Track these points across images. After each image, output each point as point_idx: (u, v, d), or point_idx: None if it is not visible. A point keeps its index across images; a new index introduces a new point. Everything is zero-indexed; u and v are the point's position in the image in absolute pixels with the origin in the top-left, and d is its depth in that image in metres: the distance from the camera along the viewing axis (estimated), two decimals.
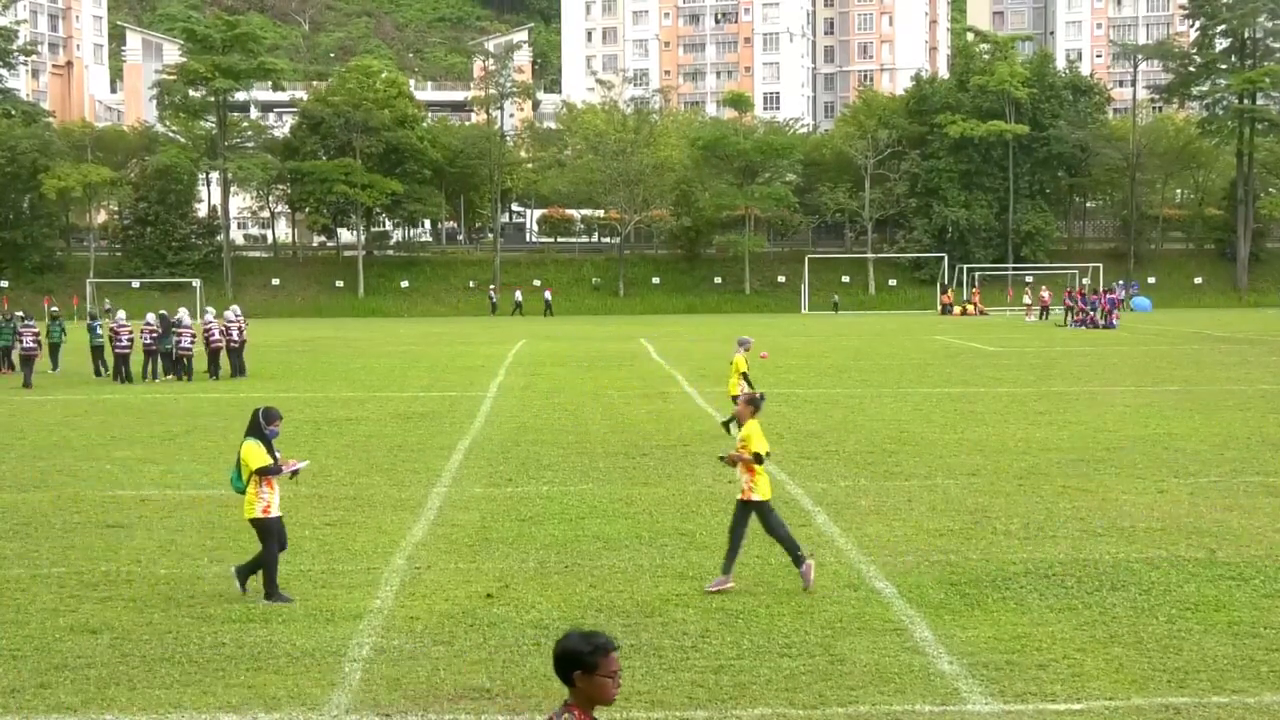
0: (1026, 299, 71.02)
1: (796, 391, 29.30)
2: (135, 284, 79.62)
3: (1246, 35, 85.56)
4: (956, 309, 73.94)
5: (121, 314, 35.46)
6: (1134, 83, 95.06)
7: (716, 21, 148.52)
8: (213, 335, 34.50)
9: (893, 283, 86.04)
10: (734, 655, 9.88)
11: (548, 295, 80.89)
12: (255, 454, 11.61)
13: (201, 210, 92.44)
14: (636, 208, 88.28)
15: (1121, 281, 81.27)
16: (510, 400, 28.00)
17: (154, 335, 33.85)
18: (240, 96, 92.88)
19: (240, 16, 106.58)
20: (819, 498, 16.12)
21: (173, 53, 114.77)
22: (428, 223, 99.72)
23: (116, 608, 11.31)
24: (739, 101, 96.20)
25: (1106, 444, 20.59)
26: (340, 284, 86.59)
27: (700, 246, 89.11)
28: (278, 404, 13.09)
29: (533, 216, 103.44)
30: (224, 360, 34.67)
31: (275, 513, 11.67)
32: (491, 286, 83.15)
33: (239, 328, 35.01)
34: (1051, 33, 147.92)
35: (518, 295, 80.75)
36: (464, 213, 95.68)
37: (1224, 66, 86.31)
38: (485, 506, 15.77)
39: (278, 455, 11.82)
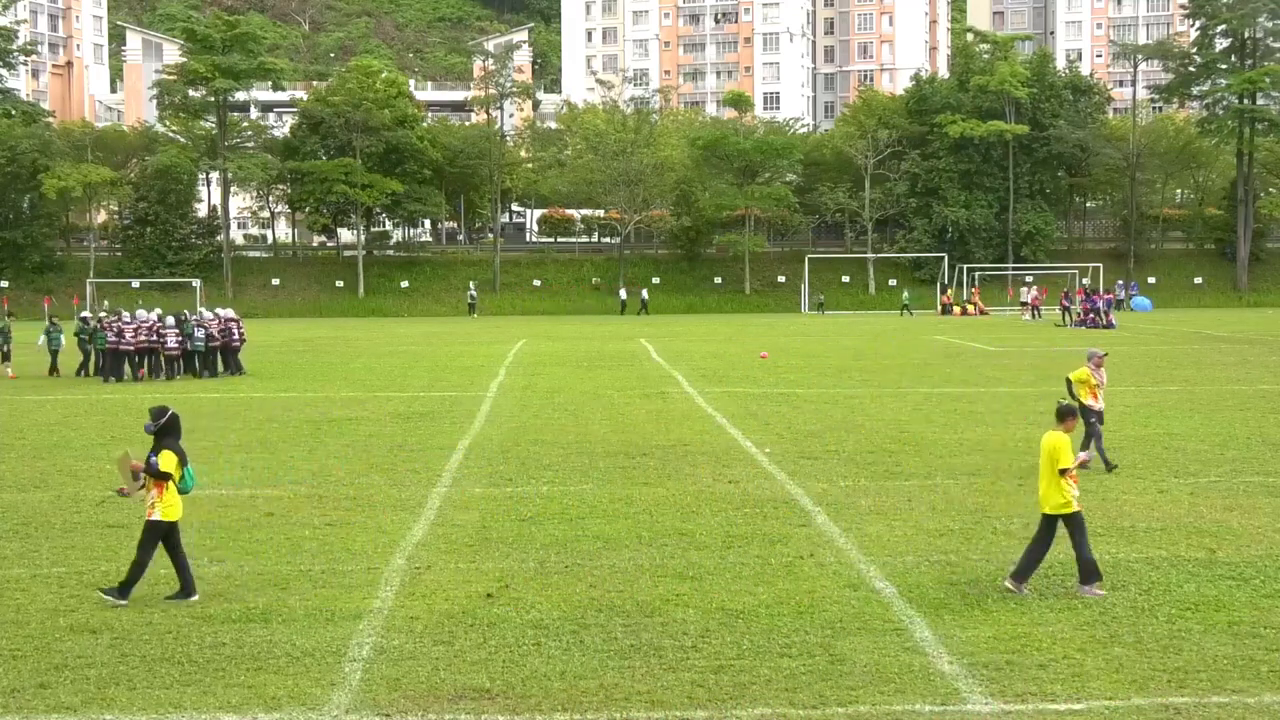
0: (1025, 299, 70.99)
1: (796, 391, 29.30)
2: (135, 284, 79.60)
3: (1246, 35, 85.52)
4: (956, 309, 73.93)
5: (156, 312, 35.80)
6: (1134, 83, 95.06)
7: (716, 21, 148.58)
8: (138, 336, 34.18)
9: (893, 283, 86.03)
10: (734, 655, 9.88)
11: (644, 294, 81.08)
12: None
13: (201, 210, 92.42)
14: (636, 208, 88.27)
15: (1121, 282, 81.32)
16: (510, 400, 28.00)
17: (178, 337, 34.31)
18: (240, 96, 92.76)
19: (240, 16, 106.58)
20: (819, 498, 16.12)
21: (173, 53, 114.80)
22: (428, 223, 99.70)
23: (117, 608, 11.30)
24: (739, 101, 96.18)
25: (1107, 444, 20.57)
26: (340, 284, 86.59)
27: (700, 246, 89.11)
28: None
29: (533, 216, 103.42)
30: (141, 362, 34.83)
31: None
32: (472, 286, 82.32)
33: (170, 334, 34.72)
34: (1051, 33, 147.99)
35: (622, 294, 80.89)
36: (464, 213, 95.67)
37: (1224, 66, 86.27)
38: (485, 506, 15.77)
39: None
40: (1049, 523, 11.66)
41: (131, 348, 33.98)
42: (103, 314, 37.74)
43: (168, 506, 11.54)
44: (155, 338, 34.11)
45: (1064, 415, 11.93)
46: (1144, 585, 11.80)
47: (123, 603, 11.36)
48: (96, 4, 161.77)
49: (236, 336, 35.97)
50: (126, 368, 34.27)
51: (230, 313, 37.10)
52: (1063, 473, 11.48)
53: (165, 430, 11.71)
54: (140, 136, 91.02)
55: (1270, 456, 19.30)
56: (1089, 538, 11.64)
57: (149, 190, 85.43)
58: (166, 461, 11.52)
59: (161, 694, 9.13)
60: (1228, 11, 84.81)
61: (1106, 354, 19.41)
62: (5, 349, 36.32)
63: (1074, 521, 11.57)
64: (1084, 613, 10.95)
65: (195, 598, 11.52)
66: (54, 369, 35.85)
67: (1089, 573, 11.59)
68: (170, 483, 11.53)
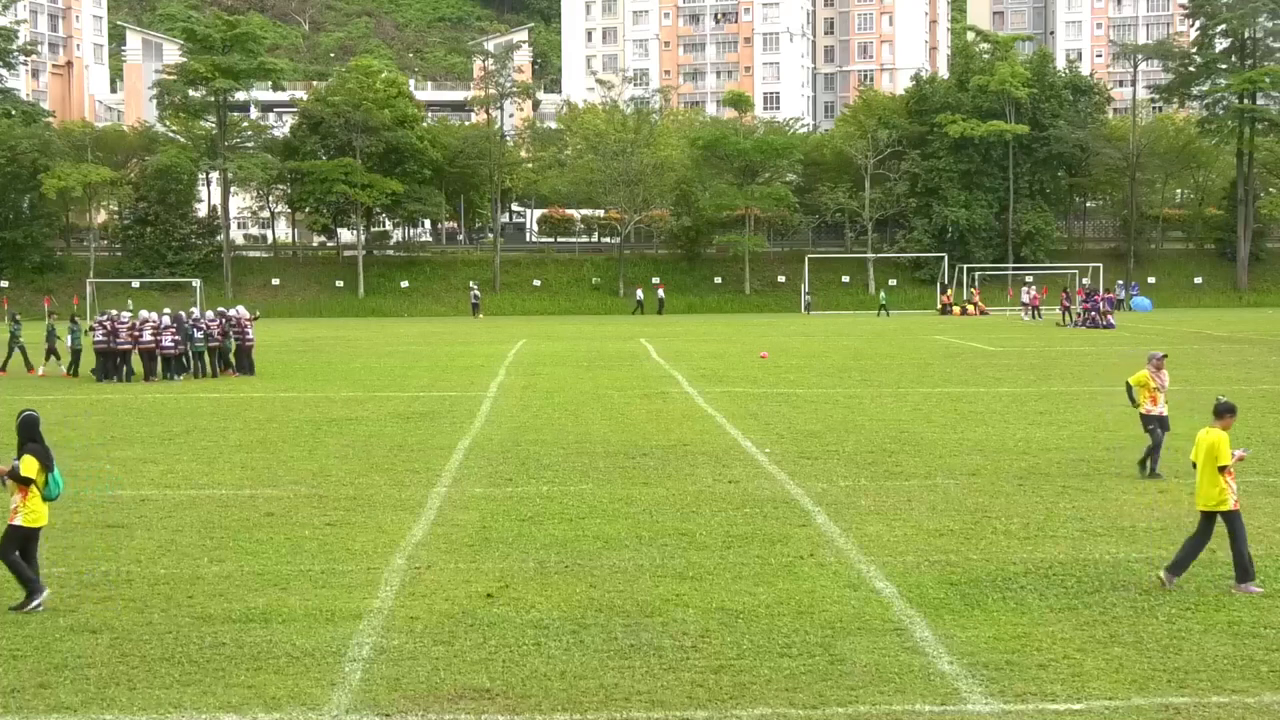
0: (1025, 298, 70.97)
1: (796, 391, 29.30)
2: (135, 284, 79.59)
3: (1246, 35, 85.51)
4: (956, 309, 73.87)
5: (165, 311, 35.95)
6: (1134, 83, 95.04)
7: (716, 21, 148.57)
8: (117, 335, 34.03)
9: (893, 283, 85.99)
10: (734, 655, 9.88)
11: (660, 293, 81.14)
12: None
13: (201, 210, 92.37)
14: (636, 208, 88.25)
15: (1121, 282, 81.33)
16: (510, 400, 28.00)
17: (174, 337, 34.26)
18: (240, 96, 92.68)
19: (240, 16, 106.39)
20: (819, 498, 16.12)
21: (173, 53, 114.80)
22: (428, 223, 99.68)
23: (116, 608, 11.30)
24: (739, 101, 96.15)
25: (1106, 444, 20.60)
26: (340, 284, 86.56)
27: (700, 246, 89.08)
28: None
29: (533, 216, 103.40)
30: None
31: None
32: (474, 286, 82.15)
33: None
34: (1051, 33, 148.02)
35: (639, 294, 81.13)
36: (464, 213, 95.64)
37: (1224, 66, 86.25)
38: (485, 506, 15.77)
39: None
40: (1208, 519, 11.78)
41: (130, 347, 33.95)
42: (127, 313, 37.60)
43: (30, 513, 11.28)
44: (151, 338, 34.07)
45: (1222, 412, 12.00)
46: (1144, 585, 11.80)
47: (37, 601, 11.15)
48: (96, 4, 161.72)
49: (249, 336, 35.93)
50: (126, 367, 34.24)
51: (243, 312, 36.93)
52: (1222, 469, 11.57)
53: (23, 434, 11.46)
54: (140, 136, 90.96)
55: (1270, 456, 19.31)
56: (1245, 538, 11.69)
57: (149, 190, 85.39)
58: (28, 466, 11.26)
59: (161, 694, 9.13)
60: (1228, 11, 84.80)
61: (1166, 355, 18.75)
62: (52, 347, 36.38)
63: (1231, 519, 11.67)
64: (1084, 613, 10.95)
65: (38, 603, 11.16)
66: (73, 369, 35.80)
67: (1244, 571, 11.62)
68: (34, 488, 11.28)
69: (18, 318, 39.60)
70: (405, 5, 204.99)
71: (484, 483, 17.49)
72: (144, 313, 35.54)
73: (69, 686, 9.31)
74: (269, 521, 14.98)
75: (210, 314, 36.96)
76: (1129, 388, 18.23)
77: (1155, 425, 17.67)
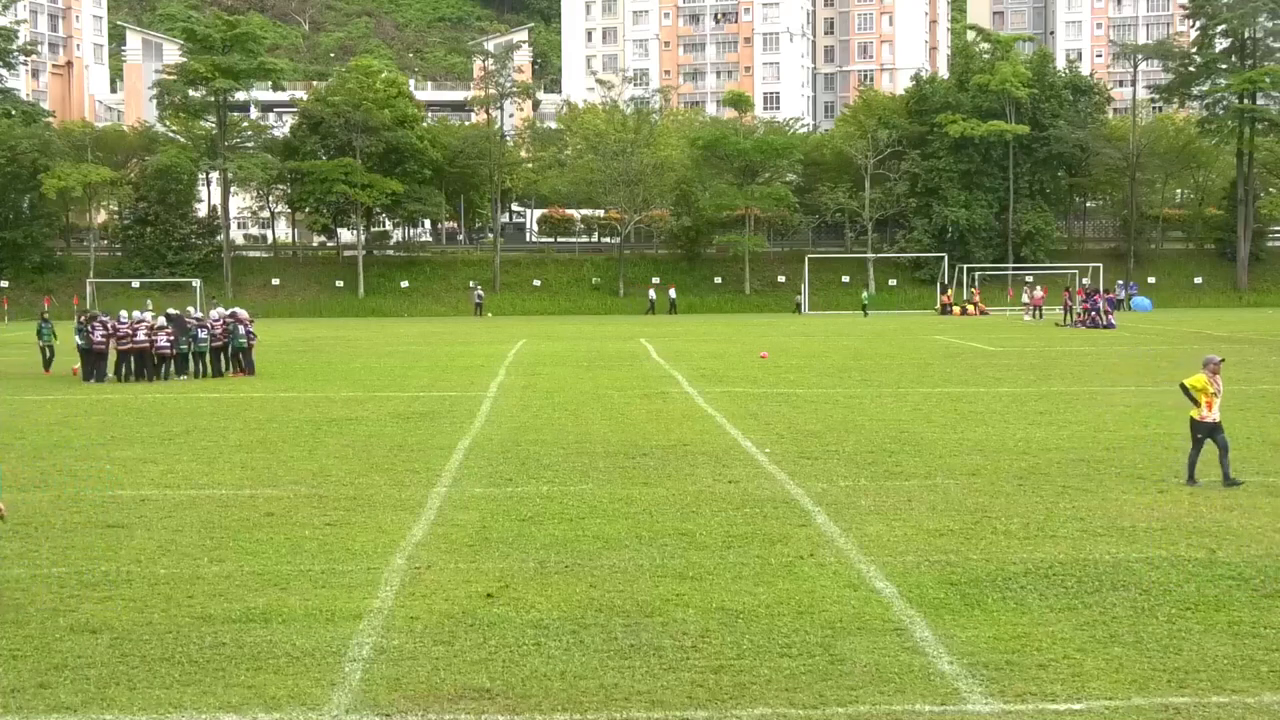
0: (1025, 299, 71.02)
1: (796, 391, 29.29)
2: (135, 284, 79.60)
3: (1246, 35, 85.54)
4: (956, 309, 73.85)
5: (169, 312, 35.82)
6: (1134, 83, 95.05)
7: (716, 21, 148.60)
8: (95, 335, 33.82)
9: (893, 283, 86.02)
10: (734, 655, 9.88)
11: (672, 293, 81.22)
12: None
13: (201, 210, 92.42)
14: (636, 208, 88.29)
15: (1121, 282, 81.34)
16: (510, 400, 28.00)
17: (169, 337, 34.12)
18: (240, 96, 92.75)
19: (240, 16, 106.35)
20: (819, 498, 16.12)
21: (173, 53, 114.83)
22: (428, 223, 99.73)
23: (116, 608, 11.30)
24: (739, 101, 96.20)
25: (1106, 444, 20.60)
26: (340, 284, 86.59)
27: (700, 246, 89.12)
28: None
29: (533, 216, 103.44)
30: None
31: None
32: (478, 287, 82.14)
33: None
34: (1051, 33, 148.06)
35: (651, 294, 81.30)
36: (464, 213, 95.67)
37: (1224, 66, 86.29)
38: (485, 506, 15.76)
39: None
40: None
41: (128, 348, 33.89)
42: (148, 313, 37.37)
43: None
44: (146, 338, 34.00)
45: None
46: (1144, 585, 11.79)
47: None
48: (96, 4, 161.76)
49: (250, 336, 35.84)
50: (125, 368, 34.18)
51: (243, 313, 36.85)
52: None
53: None
54: (140, 136, 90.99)
55: (1270, 456, 19.30)
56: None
57: (149, 190, 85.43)
58: None
59: (161, 694, 9.12)
60: (1228, 11, 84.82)
61: (1223, 360, 17.89)
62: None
63: None
64: (1084, 613, 10.95)
65: None
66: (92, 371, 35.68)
67: None
68: None
69: (46, 317, 39.53)
70: (405, 5, 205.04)
71: (484, 483, 17.49)
72: (138, 313, 35.46)
73: (69, 686, 9.30)
74: (269, 521, 14.98)
75: (214, 314, 36.85)
76: (1186, 390, 17.26)
77: (1204, 434, 16.89)
